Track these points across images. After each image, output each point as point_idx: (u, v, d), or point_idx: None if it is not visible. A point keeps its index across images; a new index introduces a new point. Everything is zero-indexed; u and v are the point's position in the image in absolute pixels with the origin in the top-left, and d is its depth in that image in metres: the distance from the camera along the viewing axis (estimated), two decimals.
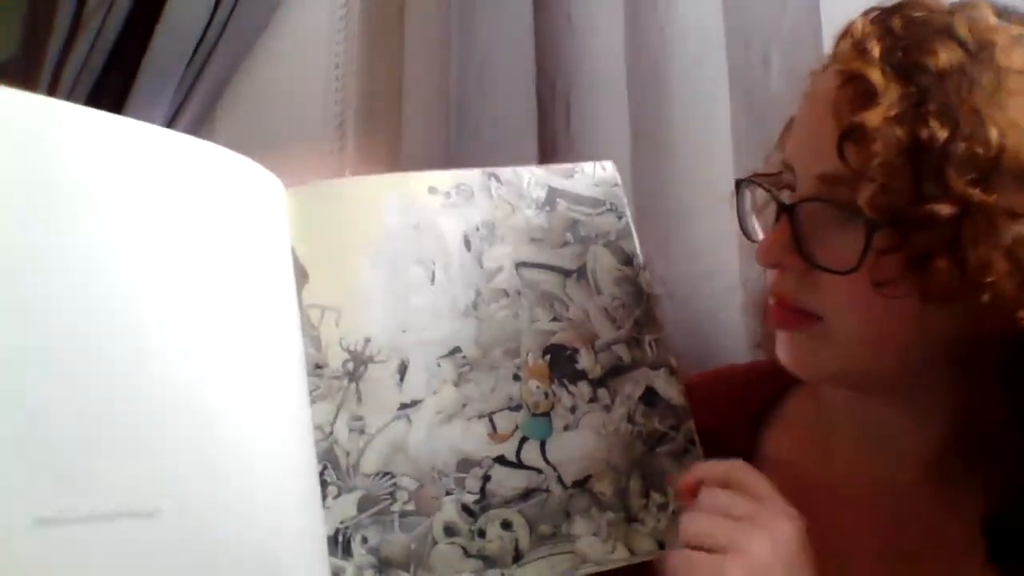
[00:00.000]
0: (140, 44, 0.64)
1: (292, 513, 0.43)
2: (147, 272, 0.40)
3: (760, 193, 0.48)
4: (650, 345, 0.52)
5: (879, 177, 0.39)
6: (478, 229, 0.52)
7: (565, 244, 0.53)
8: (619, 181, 0.56)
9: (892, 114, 0.39)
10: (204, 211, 0.44)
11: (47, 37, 0.64)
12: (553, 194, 0.54)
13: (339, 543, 0.44)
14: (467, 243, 0.51)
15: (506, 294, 0.51)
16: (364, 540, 0.44)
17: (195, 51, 0.66)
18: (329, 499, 0.44)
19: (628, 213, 0.55)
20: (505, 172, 0.54)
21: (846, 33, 0.44)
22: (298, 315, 0.47)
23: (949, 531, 0.46)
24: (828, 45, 0.45)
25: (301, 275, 0.48)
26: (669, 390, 0.51)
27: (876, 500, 0.48)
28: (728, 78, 0.68)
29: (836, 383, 0.48)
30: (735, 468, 0.44)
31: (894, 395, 0.46)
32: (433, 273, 0.50)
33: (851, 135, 0.40)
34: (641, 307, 0.53)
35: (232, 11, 0.67)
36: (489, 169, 0.54)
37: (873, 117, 0.39)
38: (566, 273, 0.52)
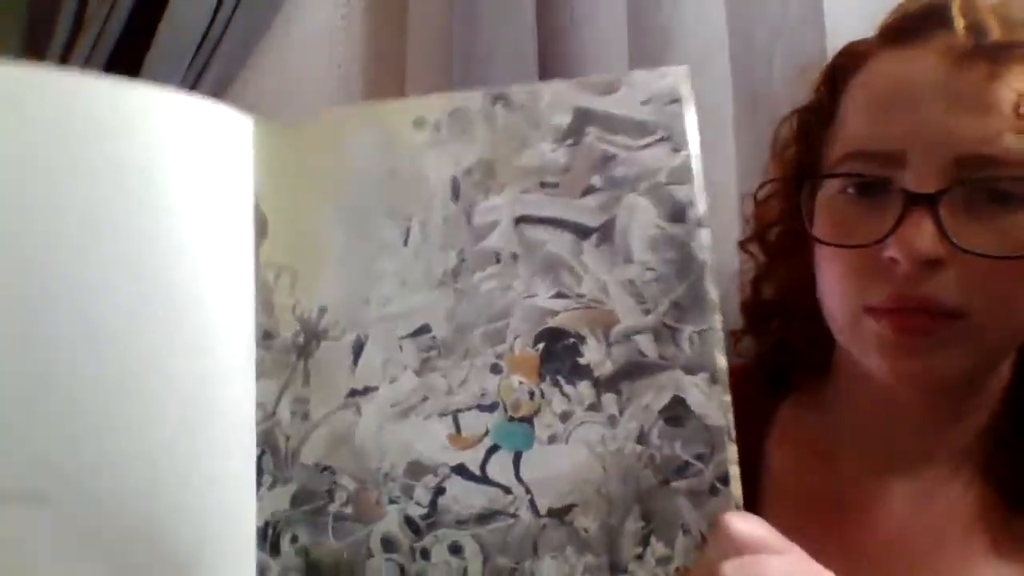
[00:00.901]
0: (142, 45, 0.64)
1: (224, 503, 0.39)
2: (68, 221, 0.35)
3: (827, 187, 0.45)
4: (690, 339, 0.38)
5: None
6: (471, 172, 0.40)
7: (589, 191, 0.39)
8: (683, 94, 0.39)
9: None
10: (149, 154, 0.38)
11: (48, 37, 0.65)
12: (582, 119, 0.40)
13: (268, 538, 0.39)
14: (455, 191, 0.40)
15: (497, 258, 0.39)
16: (294, 539, 0.39)
17: (196, 52, 0.65)
18: (264, 488, 0.40)
19: (692, 143, 0.39)
20: (517, 92, 0.40)
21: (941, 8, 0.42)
22: (253, 274, 0.41)
23: (962, 519, 0.45)
24: (831, 44, 0.47)
25: (261, 227, 0.41)
26: (706, 405, 0.37)
27: (886, 501, 0.47)
28: (731, 78, 0.68)
29: (944, 385, 0.44)
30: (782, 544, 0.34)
31: (970, 387, 0.45)
32: (408, 230, 0.40)
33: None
34: (686, 283, 0.38)
35: (234, 11, 0.65)
36: (496, 89, 0.40)
37: None
38: (584, 232, 0.39)
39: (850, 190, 0.44)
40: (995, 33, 0.41)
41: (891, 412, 0.47)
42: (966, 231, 0.40)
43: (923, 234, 0.40)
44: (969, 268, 0.40)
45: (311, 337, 0.40)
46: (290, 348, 0.40)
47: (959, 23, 0.41)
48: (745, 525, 0.33)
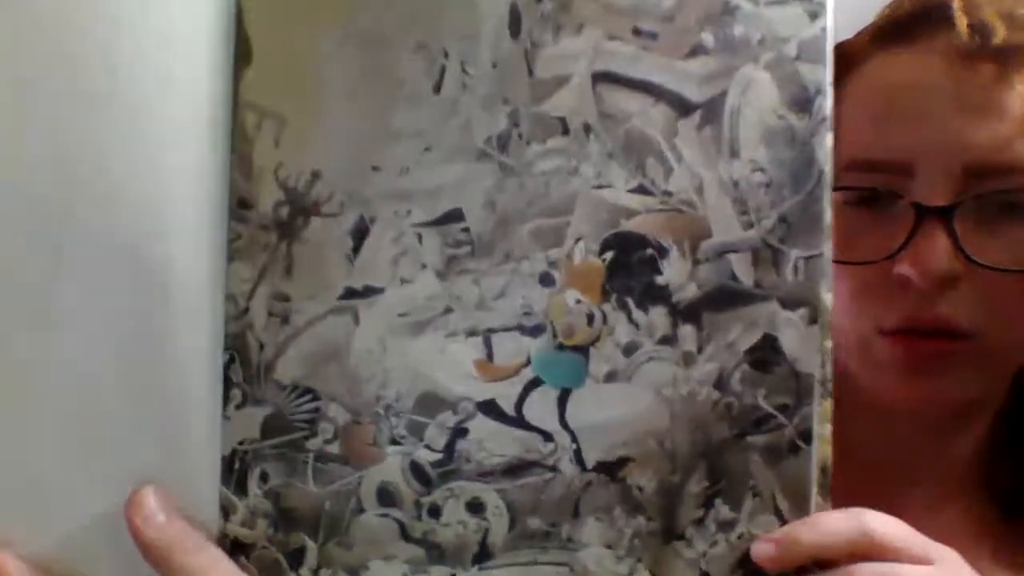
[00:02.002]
0: None
1: (181, 419, 0.29)
2: None
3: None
4: (795, 266, 0.29)
5: None
6: (539, 0, 0.28)
7: (696, 51, 0.29)
8: None
9: None
10: None
11: None
12: None
13: (233, 471, 0.29)
14: (514, 23, 0.28)
15: (563, 128, 0.28)
16: (263, 478, 0.29)
17: None
18: (231, 406, 0.29)
19: (830, 9, 0.29)
20: None
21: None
22: (227, 116, 0.28)
23: (962, 531, 0.43)
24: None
25: (243, 53, 0.27)
26: (800, 348, 0.30)
27: None
28: None
29: (952, 407, 0.42)
30: (874, 524, 0.28)
31: (973, 405, 0.43)
32: (441, 73, 0.28)
33: None
34: (800, 195, 0.29)
35: None
36: None
37: None
38: (684, 107, 0.29)
39: (852, 202, 0.41)
40: (1001, 33, 0.39)
41: (890, 429, 0.45)
42: (980, 245, 0.38)
43: (937, 250, 0.38)
44: (983, 285, 0.38)
45: (298, 211, 0.28)
46: (270, 224, 0.28)
47: (961, 22, 0.39)
48: (888, 525, 0.27)
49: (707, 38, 0.29)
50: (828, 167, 0.29)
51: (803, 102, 0.29)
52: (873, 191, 0.40)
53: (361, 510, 0.29)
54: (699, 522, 0.30)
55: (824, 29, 0.29)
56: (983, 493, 0.45)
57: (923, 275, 0.38)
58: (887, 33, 0.41)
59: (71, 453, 0.29)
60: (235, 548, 0.29)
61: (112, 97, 0.28)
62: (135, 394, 0.29)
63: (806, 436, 0.30)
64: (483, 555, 0.29)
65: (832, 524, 0.28)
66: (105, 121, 0.28)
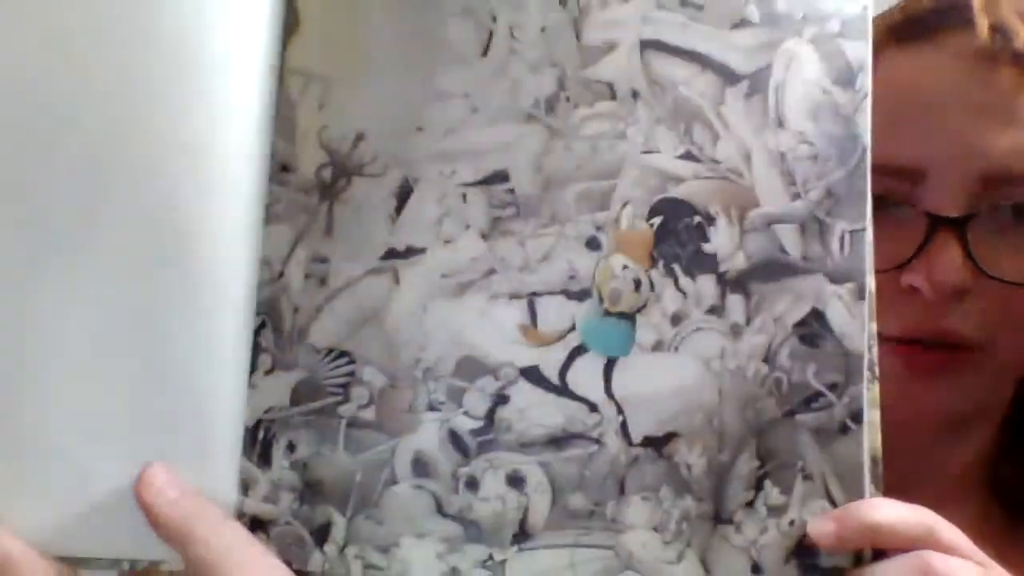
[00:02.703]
0: None
1: (204, 387, 0.28)
2: None
3: None
4: (841, 239, 0.29)
5: None
6: None
7: (743, 24, 0.29)
8: None
9: None
10: None
11: None
12: None
13: (257, 442, 0.27)
14: None
15: (611, 93, 0.28)
16: (290, 448, 0.27)
17: None
18: (259, 373, 0.27)
19: None
20: None
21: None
22: (273, 83, 0.27)
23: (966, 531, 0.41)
24: None
25: (291, 22, 0.27)
26: (848, 324, 0.29)
27: None
28: None
29: (955, 417, 0.41)
30: (940, 523, 0.27)
31: (976, 413, 0.42)
32: (489, 36, 0.28)
33: None
34: (845, 168, 0.29)
35: None
36: None
37: None
38: (731, 76, 0.29)
39: None
40: (1022, 36, 0.37)
41: (891, 434, 0.44)
42: (993, 256, 0.37)
43: (951, 262, 0.36)
44: (991, 296, 0.37)
45: (340, 172, 0.28)
46: (311, 186, 0.28)
47: (982, 23, 0.37)
48: (952, 528, 0.27)
49: (752, 11, 0.29)
50: (868, 141, 0.29)
51: (846, 77, 0.30)
52: (880, 198, 0.40)
53: (394, 481, 0.27)
54: (749, 505, 0.28)
55: (865, 7, 0.30)
56: (987, 496, 0.43)
57: (934, 287, 0.37)
58: (902, 29, 0.39)
59: (84, 420, 0.27)
60: (254, 526, 0.27)
61: (154, 58, 0.28)
62: (152, 356, 0.27)
63: (856, 417, 0.29)
64: (522, 535, 0.27)
65: (896, 510, 0.26)
66: (148, 76, 0.28)
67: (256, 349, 0.28)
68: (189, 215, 0.27)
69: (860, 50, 0.30)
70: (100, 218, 0.27)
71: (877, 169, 0.38)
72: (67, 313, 0.27)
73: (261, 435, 0.28)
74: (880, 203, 0.38)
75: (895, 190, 0.37)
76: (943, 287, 0.36)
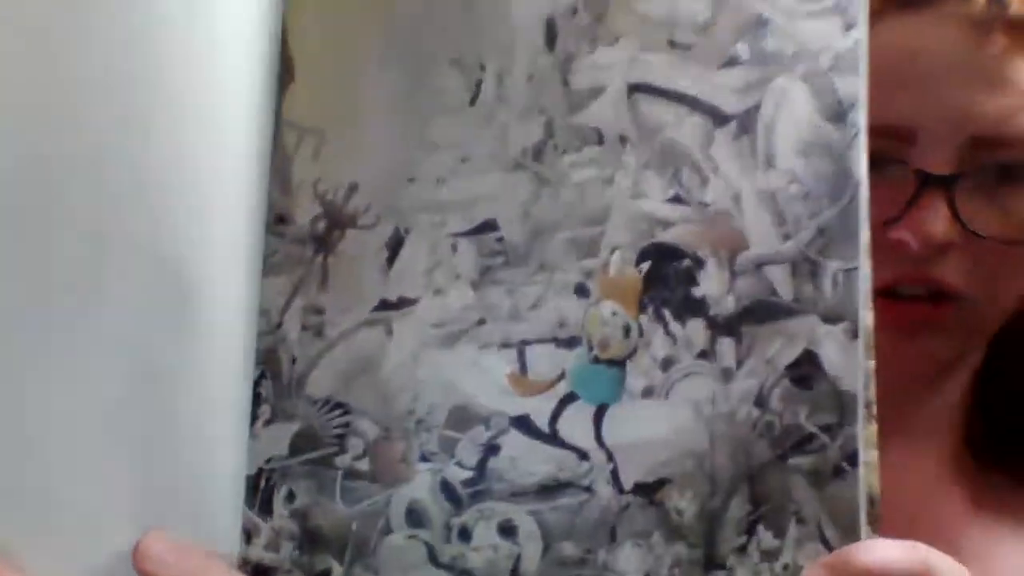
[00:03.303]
0: None
1: (207, 438, 0.28)
2: None
3: None
4: (834, 279, 0.29)
5: None
6: (574, 13, 0.28)
7: (731, 63, 0.29)
8: None
9: None
10: None
11: None
12: None
13: (259, 491, 0.28)
14: (550, 36, 0.28)
15: (599, 138, 0.28)
16: (290, 497, 0.28)
17: None
18: (259, 423, 0.28)
19: (864, 20, 0.29)
20: None
21: None
22: (269, 136, 0.28)
23: (942, 480, 0.46)
24: None
25: (286, 74, 0.27)
26: (842, 365, 0.28)
27: None
28: None
29: (933, 368, 0.43)
30: (936, 559, 0.26)
31: (953, 364, 0.44)
32: (478, 85, 0.28)
33: None
34: (838, 206, 0.29)
35: None
36: None
37: None
38: (719, 117, 0.29)
39: None
40: (1017, 3, 0.38)
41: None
42: (979, 215, 0.39)
43: (938, 218, 0.38)
44: (977, 252, 0.39)
45: (334, 224, 0.28)
46: (306, 239, 0.28)
47: None
48: (952, 568, 0.27)
49: (742, 49, 0.29)
50: (864, 180, 0.29)
51: (837, 113, 0.29)
52: (873, 155, 0.41)
53: (389, 531, 0.28)
54: (742, 550, 0.28)
55: (858, 41, 0.29)
56: (960, 444, 0.46)
57: (921, 241, 0.38)
58: None
59: (87, 483, 0.27)
60: (257, 573, 0.28)
61: (154, 112, 0.28)
62: (156, 414, 0.28)
63: (851, 458, 0.29)
64: None
65: (891, 551, 0.26)
66: (145, 134, 0.28)
67: (256, 399, 0.28)
68: (191, 273, 0.28)
69: (852, 85, 0.29)
70: (101, 280, 0.27)
71: (872, 130, 0.39)
72: (69, 376, 0.27)
73: (263, 484, 0.28)
74: (873, 161, 0.38)
75: (887, 149, 0.38)
76: (929, 240, 0.38)
